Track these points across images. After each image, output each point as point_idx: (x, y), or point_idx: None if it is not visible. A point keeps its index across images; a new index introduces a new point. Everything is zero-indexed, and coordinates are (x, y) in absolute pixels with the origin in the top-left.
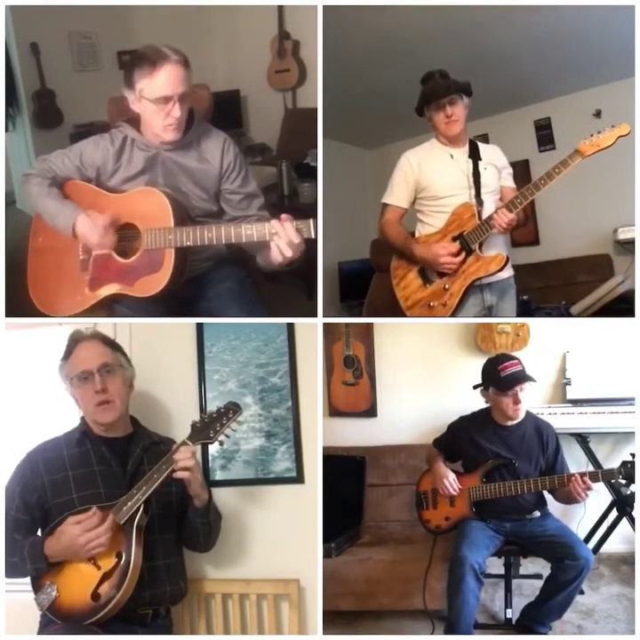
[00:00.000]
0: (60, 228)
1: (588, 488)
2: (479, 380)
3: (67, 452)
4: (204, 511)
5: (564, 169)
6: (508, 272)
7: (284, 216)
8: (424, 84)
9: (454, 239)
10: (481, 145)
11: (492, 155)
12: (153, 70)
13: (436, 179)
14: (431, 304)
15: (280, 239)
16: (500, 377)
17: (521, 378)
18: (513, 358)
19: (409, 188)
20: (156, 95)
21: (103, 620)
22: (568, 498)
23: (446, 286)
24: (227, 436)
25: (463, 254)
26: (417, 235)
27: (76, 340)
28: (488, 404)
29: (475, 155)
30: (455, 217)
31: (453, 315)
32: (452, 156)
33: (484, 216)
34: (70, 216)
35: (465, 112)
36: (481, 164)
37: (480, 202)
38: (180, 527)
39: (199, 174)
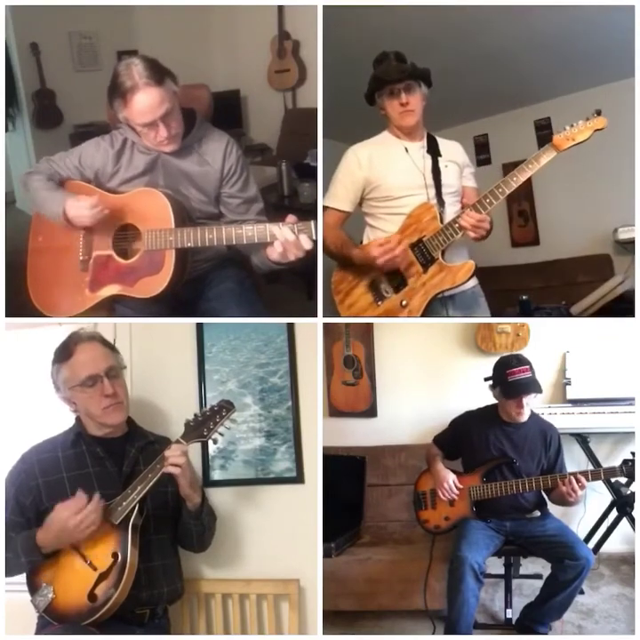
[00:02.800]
0: (52, 215)
1: (576, 488)
2: (488, 375)
3: (62, 453)
4: (197, 513)
5: (538, 164)
6: (472, 280)
7: (289, 217)
8: (376, 67)
9: (412, 246)
10: (440, 140)
11: (452, 151)
12: (126, 102)
13: (389, 176)
14: None
15: (279, 242)
16: (506, 381)
17: (526, 388)
18: (525, 363)
19: (355, 188)
20: (138, 122)
21: (100, 620)
22: (561, 499)
23: (404, 302)
24: (220, 434)
25: (404, 243)
26: (365, 241)
27: (75, 342)
28: (495, 400)
29: (434, 150)
30: (412, 220)
31: None
32: (406, 150)
33: (446, 219)
34: (60, 201)
35: (422, 103)
36: (441, 161)
37: (441, 202)
38: (176, 527)
39: (199, 177)
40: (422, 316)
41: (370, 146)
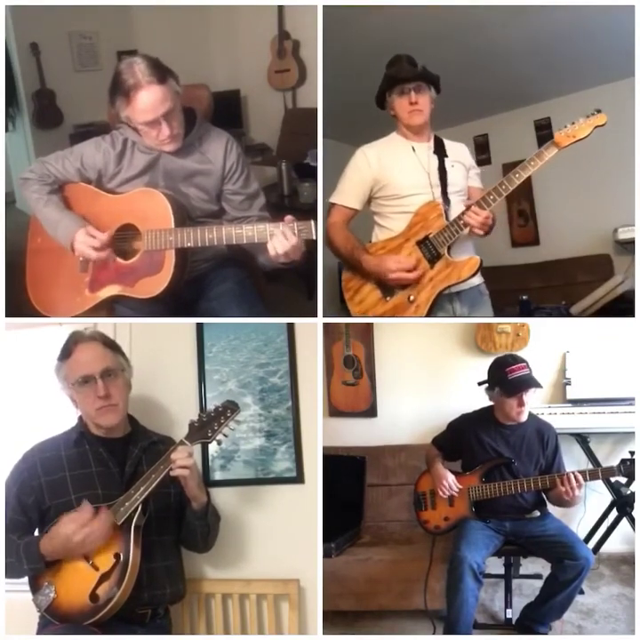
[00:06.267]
0: (60, 241)
1: (574, 486)
2: (484, 377)
3: (64, 452)
4: (203, 513)
5: (540, 161)
6: (478, 278)
7: (287, 218)
8: (389, 68)
9: (419, 243)
10: (447, 142)
11: (458, 152)
12: (128, 100)
13: (397, 176)
14: None
15: (276, 238)
16: (506, 380)
17: (528, 383)
18: (521, 361)
19: (363, 187)
20: (141, 120)
21: (102, 620)
22: (559, 499)
23: (411, 298)
24: (225, 436)
25: (421, 268)
26: (374, 240)
27: (75, 341)
28: (491, 402)
29: (440, 151)
30: (419, 218)
31: None
32: (413, 149)
33: (451, 217)
34: (70, 231)
35: (431, 106)
36: (447, 161)
37: (447, 201)
38: (179, 528)
39: (200, 176)
40: (429, 310)
41: (378, 146)
